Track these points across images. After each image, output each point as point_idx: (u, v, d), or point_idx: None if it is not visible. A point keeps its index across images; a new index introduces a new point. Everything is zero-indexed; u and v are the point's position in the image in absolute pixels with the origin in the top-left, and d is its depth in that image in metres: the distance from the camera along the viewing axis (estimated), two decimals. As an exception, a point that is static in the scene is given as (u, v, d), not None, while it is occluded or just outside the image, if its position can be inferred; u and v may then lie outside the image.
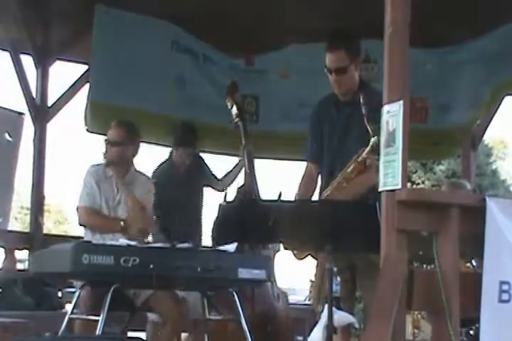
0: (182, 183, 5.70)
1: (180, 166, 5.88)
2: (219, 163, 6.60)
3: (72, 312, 3.92)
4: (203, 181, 5.97)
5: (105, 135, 4.81)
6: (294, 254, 4.14)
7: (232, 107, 5.15)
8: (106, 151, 4.63)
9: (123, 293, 4.10)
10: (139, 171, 4.76)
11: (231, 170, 5.93)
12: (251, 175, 5.14)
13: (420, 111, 6.82)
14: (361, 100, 3.86)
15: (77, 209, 4.68)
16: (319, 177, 4.31)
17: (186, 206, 5.72)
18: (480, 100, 6.55)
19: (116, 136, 4.64)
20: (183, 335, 5.62)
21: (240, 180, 5.72)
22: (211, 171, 6.07)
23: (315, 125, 4.34)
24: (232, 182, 5.90)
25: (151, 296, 4.16)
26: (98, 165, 4.69)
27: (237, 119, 5.10)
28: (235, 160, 6.08)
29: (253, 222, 3.75)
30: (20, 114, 6.67)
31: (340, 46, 4.08)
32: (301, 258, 4.12)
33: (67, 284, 4.97)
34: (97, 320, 3.63)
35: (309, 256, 4.11)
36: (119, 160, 4.62)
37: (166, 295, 4.14)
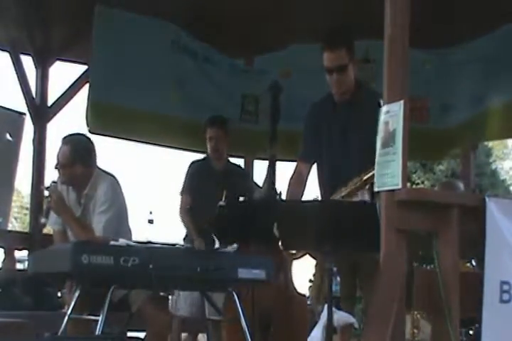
0: (215, 186, 5.53)
1: (216, 164, 5.67)
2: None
3: (71, 313, 3.91)
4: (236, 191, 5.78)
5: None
6: (290, 254, 4.15)
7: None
8: (57, 169, 4.44)
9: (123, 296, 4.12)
10: (104, 173, 4.48)
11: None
12: (270, 178, 5.11)
13: (421, 111, 6.82)
14: (381, 103, 3.84)
15: None
16: (321, 176, 4.30)
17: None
18: (483, 102, 6.50)
19: (61, 156, 4.40)
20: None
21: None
22: (252, 183, 5.88)
23: (311, 126, 4.34)
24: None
25: (143, 305, 4.16)
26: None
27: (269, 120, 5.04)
28: (234, 160, 6.05)
29: (254, 222, 3.76)
30: (21, 114, 6.67)
31: (341, 45, 4.10)
32: (297, 258, 4.12)
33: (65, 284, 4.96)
34: (95, 320, 3.63)
35: (307, 256, 4.11)
36: (70, 180, 4.42)
37: (154, 302, 4.15)
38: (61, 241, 4.49)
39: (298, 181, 4.28)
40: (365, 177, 3.93)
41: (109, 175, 4.47)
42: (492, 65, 6.44)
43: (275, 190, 4.98)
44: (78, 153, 4.40)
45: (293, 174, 4.32)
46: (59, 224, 4.53)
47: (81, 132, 4.76)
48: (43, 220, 4.42)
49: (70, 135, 4.54)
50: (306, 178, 4.31)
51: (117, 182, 4.47)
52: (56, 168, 4.43)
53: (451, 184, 5.63)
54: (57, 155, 4.43)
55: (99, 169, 4.49)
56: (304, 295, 4.98)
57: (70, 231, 4.41)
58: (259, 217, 3.70)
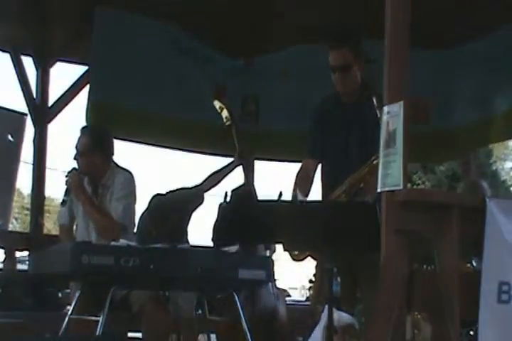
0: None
1: None
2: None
3: (72, 313, 3.91)
4: (189, 218, 5.78)
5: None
6: (292, 256, 4.14)
7: (221, 110, 5.13)
8: (76, 159, 4.53)
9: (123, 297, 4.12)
10: (120, 168, 4.60)
11: (218, 170, 5.85)
12: (248, 179, 5.12)
13: (422, 112, 6.79)
14: (374, 102, 3.84)
15: None
16: (323, 175, 4.31)
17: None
18: (488, 106, 6.48)
19: (80, 145, 4.51)
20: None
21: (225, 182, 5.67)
22: (192, 193, 5.86)
23: (317, 124, 4.34)
24: (216, 183, 5.79)
25: (142, 304, 4.15)
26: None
27: (228, 122, 5.07)
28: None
29: (253, 222, 3.76)
30: (22, 114, 6.67)
31: (345, 44, 4.10)
32: (299, 260, 4.12)
33: (67, 285, 4.96)
34: (96, 321, 3.63)
35: (308, 257, 4.11)
36: (89, 169, 4.51)
37: (154, 302, 4.15)
38: (67, 238, 4.52)
39: (304, 178, 4.28)
40: (357, 175, 3.93)
41: (126, 170, 4.58)
42: (494, 65, 6.43)
43: (255, 192, 4.99)
44: (97, 142, 4.53)
45: (299, 171, 4.32)
46: (66, 219, 4.56)
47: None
48: (64, 198, 4.51)
49: (89, 126, 4.62)
50: (313, 175, 4.31)
51: (134, 178, 4.58)
52: (75, 158, 4.52)
53: (475, 184, 5.62)
54: (76, 145, 4.52)
55: (116, 164, 4.59)
56: (285, 290, 5.04)
57: (89, 217, 4.44)
58: (248, 217, 3.70)
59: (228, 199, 4.87)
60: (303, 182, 4.26)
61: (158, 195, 5.48)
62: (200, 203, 5.72)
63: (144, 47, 6.42)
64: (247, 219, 3.58)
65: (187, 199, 5.56)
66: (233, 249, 3.89)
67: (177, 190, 5.59)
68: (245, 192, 4.98)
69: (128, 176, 4.55)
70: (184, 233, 5.64)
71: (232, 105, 6.93)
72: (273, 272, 4.75)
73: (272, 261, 4.71)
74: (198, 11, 6.22)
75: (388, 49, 3.16)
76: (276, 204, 3.78)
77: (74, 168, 4.53)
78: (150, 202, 5.20)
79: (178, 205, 5.42)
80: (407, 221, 3.04)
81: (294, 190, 4.22)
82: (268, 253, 4.86)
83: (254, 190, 5.05)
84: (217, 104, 5.12)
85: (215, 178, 5.72)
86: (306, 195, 4.25)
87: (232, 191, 5.06)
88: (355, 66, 4.13)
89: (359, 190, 3.98)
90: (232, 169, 5.55)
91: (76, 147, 4.52)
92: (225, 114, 5.06)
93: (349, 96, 4.19)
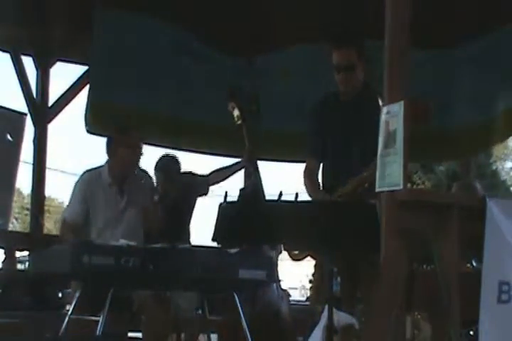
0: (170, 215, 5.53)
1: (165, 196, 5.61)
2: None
3: (72, 313, 3.91)
4: (193, 202, 5.79)
5: (105, 136, 4.78)
6: (291, 255, 4.14)
7: (233, 110, 5.13)
8: (127, 157, 4.55)
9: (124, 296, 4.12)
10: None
11: (225, 167, 5.85)
12: (256, 178, 5.12)
13: (422, 112, 6.78)
14: (380, 103, 3.83)
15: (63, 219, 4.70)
16: (323, 175, 4.31)
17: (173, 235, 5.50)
18: (485, 102, 6.48)
19: (138, 140, 4.64)
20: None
21: (232, 180, 5.70)
22: (199, 179, 5.86)
23: (317, 123, 4.34)
24: (221, 180, 5.79)
25: (142, 303, 4.15)
26: (92, 170, 4.61)
27: (239, 122, 5.08)
28: (234, 161, 6.04)
29: (254, 222, 3.76)
30: (22, 114, 6.68)
31: (350, 44, 4.12)
32: (299, 259, 4.12)
33: (67, 284, 4.96)
34: (96, 321, 3.63)
35: (308, 256, 4.11)
36: (137, 163, 4.63)
37: (155, 301, 4.15)
38: (69, 236, 4.49)
39: (311, 177, 4.29)
40: (365, 175, 3.93)
41: (145, 171, 4.73)
42: (494, 66, 6.43)
43: (263, 191, 5.00)
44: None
45: (304, 171, 4.33)
46: (77, 216, 4.53)
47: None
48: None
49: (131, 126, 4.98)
50: (318, 173, 4.32)
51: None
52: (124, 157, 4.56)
53: (468, 185, 5.59)
54: (130, 141, 4.58)
55: None
56: (285, 290, 5.04)
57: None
58: (249, 217, 3.70)
59: (237, 198, 4.89)
60: (311, 181, 4.27)
61: (167, 155, 5.60)
62: (205, 192, 5.75)
63: (143, 47, 6.42)
64: (250, 219, 3.59)
65: (195, 183, 5.62)
66: (234, 249, 3.89)
67: (184, 173, 5.65)
68: (252, 192, 4.98)
69: (151, 177, 4.75)
70: (186, 224, 5.66)
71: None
72: (277, 272, 4.75)
73: (275, 261, 4.71)
74: (198, 10, 6.23)
75: (388, 49, 3.16)
76: (276, 205, 3.78)
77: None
78: (157, 163, 5.42)
79: (185, 179, 5.54)
80: (407, 221, 3.04)
81: (311, 192, 4.20)
82: (274, 254, 4.84)
83: (263, 191, 5.04)
84: (229, 103, 5.13)
85: (219, 175, 5.74)
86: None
87: (240, 190, 5.07)
88: (359, 66, 4.14)
89: (364, 190, 3.98)
90: (239, 169, 5.54)
91: (132, 143, 4.57)
92: (236, 112, 5.06)
93: (349, 95, 4.19)
